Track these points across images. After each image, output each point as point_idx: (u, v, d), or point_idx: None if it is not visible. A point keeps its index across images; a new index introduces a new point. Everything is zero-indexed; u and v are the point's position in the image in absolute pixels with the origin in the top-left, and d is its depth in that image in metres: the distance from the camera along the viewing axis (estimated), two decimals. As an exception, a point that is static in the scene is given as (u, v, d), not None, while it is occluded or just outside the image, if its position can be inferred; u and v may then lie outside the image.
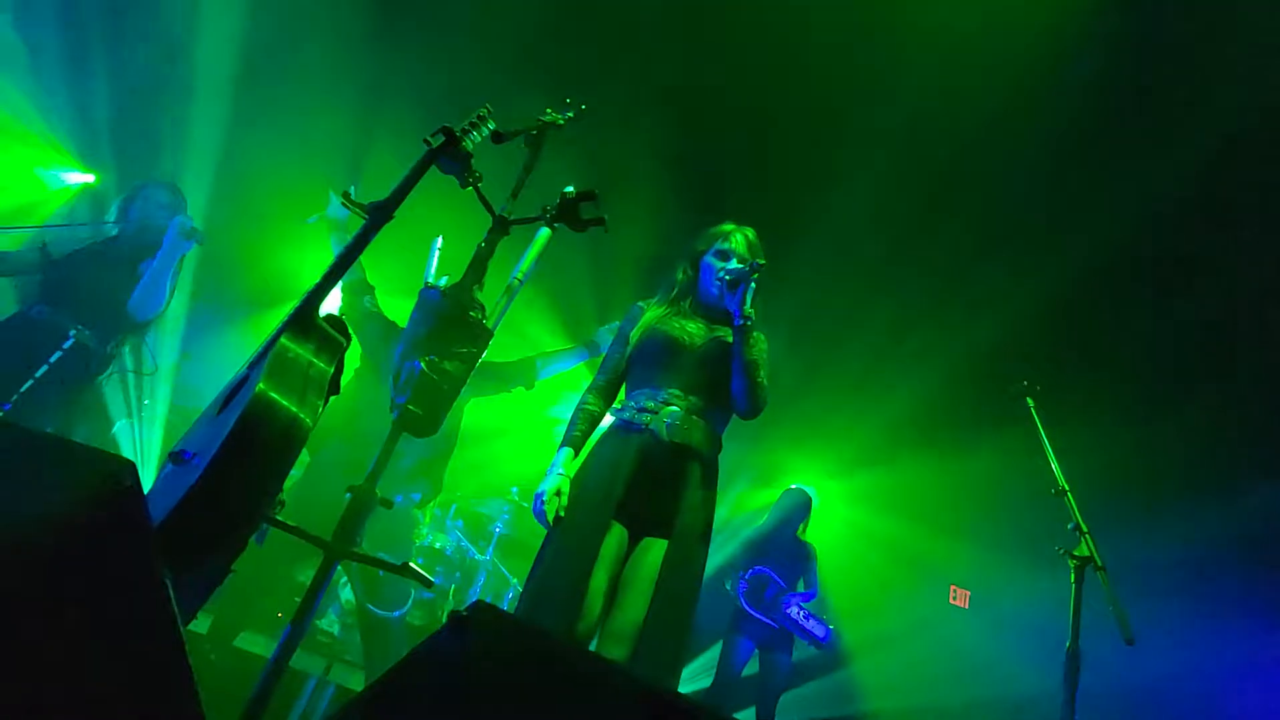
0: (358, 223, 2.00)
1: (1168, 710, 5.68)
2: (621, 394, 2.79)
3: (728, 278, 2.67)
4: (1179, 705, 5.68)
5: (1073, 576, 2.64)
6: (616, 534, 2.45)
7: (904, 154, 4.98)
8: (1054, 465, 2.92)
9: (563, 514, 2.47)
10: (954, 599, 6.98)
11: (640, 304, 2.90)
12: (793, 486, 6.22)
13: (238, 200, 5.58)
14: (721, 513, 6.19)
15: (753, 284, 2.59)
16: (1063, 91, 4.48)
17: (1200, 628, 5.67)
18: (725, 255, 2.79)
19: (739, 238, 2.83)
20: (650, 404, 2.59)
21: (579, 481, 2.54)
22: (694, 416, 2.59)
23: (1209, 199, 4.70)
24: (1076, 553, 2.67)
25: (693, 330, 2.72)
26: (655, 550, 2.45)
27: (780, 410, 6.32)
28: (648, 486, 2.49)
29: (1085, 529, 2.69)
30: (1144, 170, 4.65)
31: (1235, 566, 5.72)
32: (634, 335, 2.79)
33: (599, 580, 2.37)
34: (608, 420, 2.76)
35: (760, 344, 2.64)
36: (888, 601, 6.91)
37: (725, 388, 2.62)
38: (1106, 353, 5.54)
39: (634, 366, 2.75)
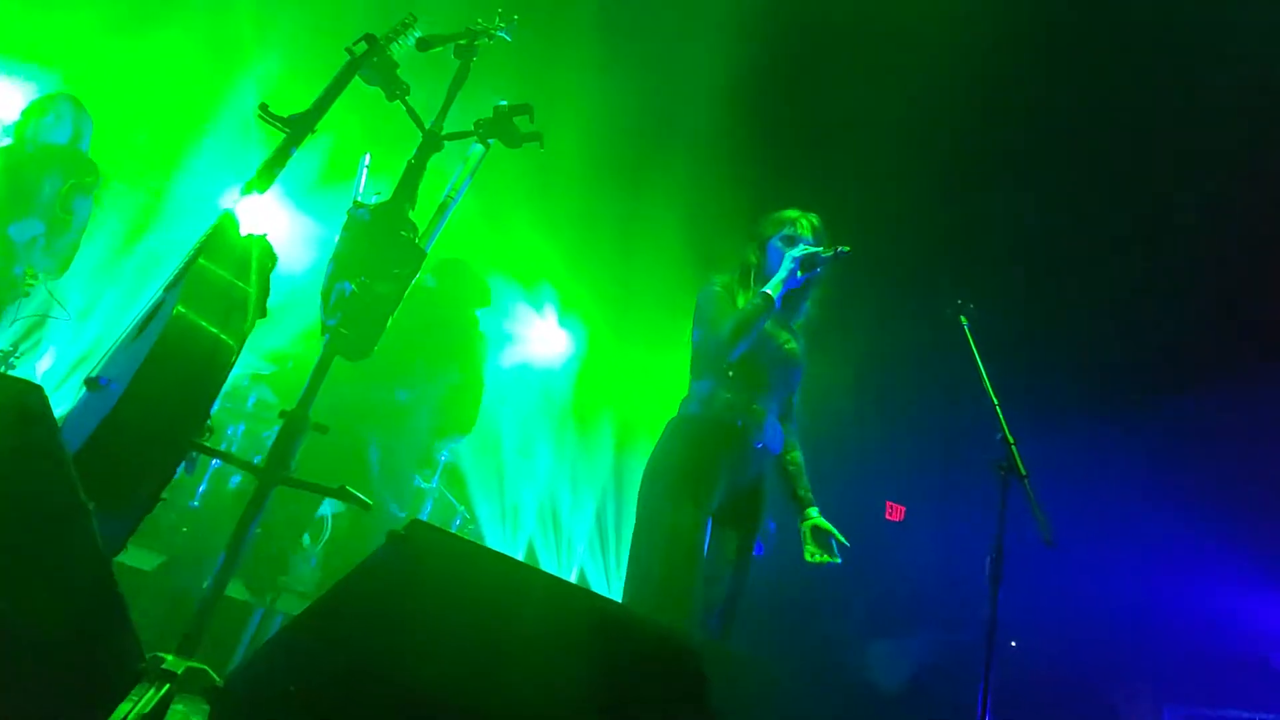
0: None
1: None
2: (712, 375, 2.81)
3: (802, 256, 2.78)
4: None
5: (1001, 484, 2.74)
6: (709, 529, 2.67)
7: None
8: (985, 380, 2.99)
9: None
10: (890, 514, 7.19)
11: (716, 279, 2.93)
12: None
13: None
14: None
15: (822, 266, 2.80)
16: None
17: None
18: (792, 240, 2.88)
19: (804, 224, 2.93)
20: (740, 404, 2.74)
21: (682, 471, 2.65)
22: (776, 421, 2.82)
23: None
24: (1003, 463, 2.77)
25: (770, 331, 2.83)
26: (729, 545, 2.73)
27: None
28: (739, 487, 2.74)
29: (1011, 439, 2.79)
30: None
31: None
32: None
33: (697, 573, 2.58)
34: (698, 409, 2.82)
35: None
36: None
37: (791, 391, 2.92)
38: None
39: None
